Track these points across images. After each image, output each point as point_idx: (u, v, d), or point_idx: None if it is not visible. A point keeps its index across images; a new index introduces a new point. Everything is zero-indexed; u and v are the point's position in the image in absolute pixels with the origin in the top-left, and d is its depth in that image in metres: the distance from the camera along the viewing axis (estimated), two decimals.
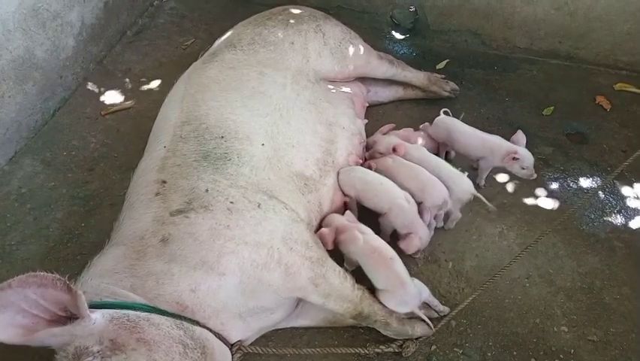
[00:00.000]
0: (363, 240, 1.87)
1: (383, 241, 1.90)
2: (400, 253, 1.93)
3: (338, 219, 2.01)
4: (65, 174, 2.57)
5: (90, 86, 3.05)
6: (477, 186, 2.24)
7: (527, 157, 2.21)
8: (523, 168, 2.22)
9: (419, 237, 2.01)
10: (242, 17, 2.66)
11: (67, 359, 1.38)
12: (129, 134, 2.75)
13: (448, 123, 2.39)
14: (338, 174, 2.19)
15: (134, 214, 1.76)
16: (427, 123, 2.55)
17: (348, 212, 2.06)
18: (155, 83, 3.07)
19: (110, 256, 1.66)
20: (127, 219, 1.78)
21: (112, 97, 3.00)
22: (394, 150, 2.26)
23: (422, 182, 2.10)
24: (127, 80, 3.11)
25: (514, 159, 2.20)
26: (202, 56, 2.46)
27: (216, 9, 3.67)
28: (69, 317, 1.39)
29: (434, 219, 2.15)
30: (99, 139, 2.74)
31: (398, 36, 3.39)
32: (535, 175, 2.24)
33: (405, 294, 1.80)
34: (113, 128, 2.81)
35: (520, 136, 2.29)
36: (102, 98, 2.99)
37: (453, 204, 2.14)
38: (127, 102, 2.95)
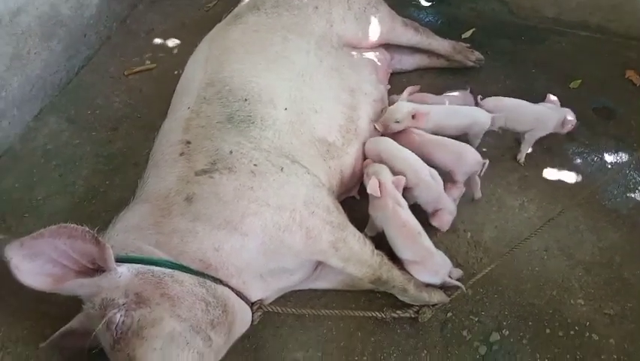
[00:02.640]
0: (393, 210, 1.88)
1: (412, 216, 1.91)
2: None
3: (385, 179, 1.96)
4: (89, 133, 2.61)
5: (113, 45, 3.06)
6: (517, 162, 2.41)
7: (573, 116, 2.32)
8: (572, 126, 2.30)
9: (449, 212, 2.02)
10: None
11: (94, 310, 1.44)
12: (152, 94, 2.76)
13: (495, 103, 2.35)
14: (365, 142, 2.18)
15: (159, 173, 1.79)
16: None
17: (401, 178, 1.99)
18: (178, 45, 3.07)
19: (136, 213, 1.70)
20: (152, 177, 1.80)
21: (135, 57, 3.01)
22: (414, 117, 2.20)
23: (457, 152, 2.11)
24: (150, 40, 3.11)
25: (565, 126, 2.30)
26: (225, 17, 2.43)
27: None
28: (96, 269, 1.44)
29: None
30: (122, 99, 2.77)
31: (424, 3, 3.31)
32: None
33: (434, 264, 1.84)
34: (136, 88, 2.82)
35: (554, 99, 2.36)
36: (125, 58, 3.00)
37: (476, 135, 2.28)
38: (150, 63, 2.95)
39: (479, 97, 2.39)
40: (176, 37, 3.11)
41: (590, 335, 1.87)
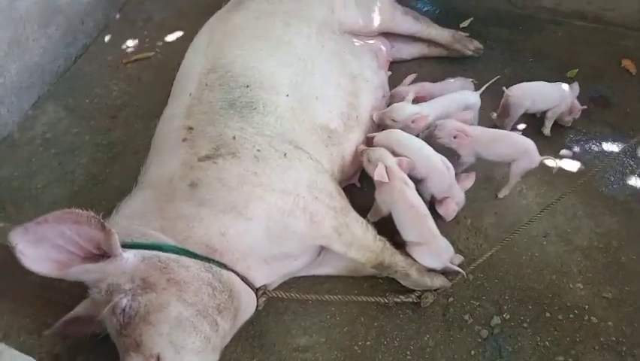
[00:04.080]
0: (400, 191, 1.89)
1: (419, 197, 1.93)
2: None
3: (391, 162, 1.95)
4: (88, 121, 2.60)
5: (111, 33, 3.04)
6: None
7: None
8: (575, 118, 2.43)
9: (456, 202, 2.03)
10: None
11: (100, 295, 1.44)
12: (151, 83, 2.76)
13: (525, 88, 2.38)
14: (375, 135, 2.14)
15: (162, 159, 1.79)
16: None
17: (404, 159, 1.98)
18: (175, 33, 3.06)
19: (139, 199, 1.70)
20: (154, 164, 1.81)
21: (133, 46, 3.00)
22: (413, 122, 2.17)
23: (522, 146, 2.12)
24: (148, 28, 3.09)
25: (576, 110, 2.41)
26: (225, 4, 2.43)
27: None
28: (102, 255, 1.44)
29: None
30: (121, 87, 2.76)
31: None
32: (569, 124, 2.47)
33: (438, 247, 1.86)
34: (135, 77, 2.82)
35: (576, 88, 2.44)
36: (123, 47, 2.99)
37: (473, 116, 2.36)
38: (149, 51, 2.94)
39: (504, 87, 2.38)
40: (174, 26, 3.09)
41: (589, 318, 1.90)
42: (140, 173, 1.84)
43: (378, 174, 1.90)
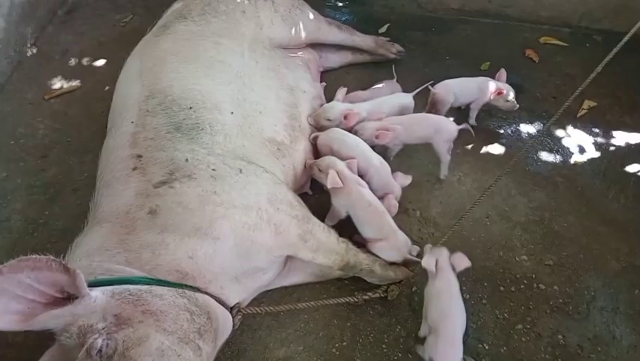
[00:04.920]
0: (357, 193, 1.97)
1: (374, 196, 2.01)
2: None
3: (341, 167, 2.03)
4: (17, 164, 2.45)
5: (27, 70, 2.87)
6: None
7: (511, 92, 2.57)
8: (507, 101, 2.53)
9: (395, 196, 2.14)
10: None
11: (72, 340, 1.36)
12: (79, 116, 2.64)
13: (449, 85, 2.55)
14: (317, 137, 2.23)
15: (113, 191, 1.73)
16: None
17: (352, 161, 2.07)
18: (97, 63, 2.95)
19: (96, 235, 1.63)
20: (105, 197, 1.74)
21: (53, 80, 2.85)
22: (345, 117, 2.30)
23: (435, 123, 2.28)
24: (66, 61, 2.96)
25: (499, 94, 2.53)
26: (150, 29, 2.39)
27: None
28: (67, 297, 1.37)
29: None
30: (47, 124, 2.61)
31: (339, 3, 3.45)
32: (517, 106, 2.57)
33: (397, 241, 1.95)
34: (61, 111, 2.68)
35: (502, 73, 2.61)
36: (43, 82, 2.83)
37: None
38: (71, 84, 2.81)
39: (429, 86, 2.56)
40: (94, 56, 2.98)
41: (537, 286, 2.08)
42: (90, 209, 1.76)
43: (331, 181, 1.96)
